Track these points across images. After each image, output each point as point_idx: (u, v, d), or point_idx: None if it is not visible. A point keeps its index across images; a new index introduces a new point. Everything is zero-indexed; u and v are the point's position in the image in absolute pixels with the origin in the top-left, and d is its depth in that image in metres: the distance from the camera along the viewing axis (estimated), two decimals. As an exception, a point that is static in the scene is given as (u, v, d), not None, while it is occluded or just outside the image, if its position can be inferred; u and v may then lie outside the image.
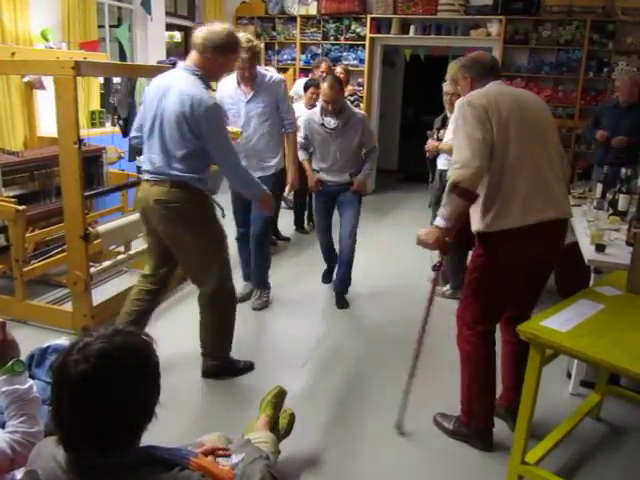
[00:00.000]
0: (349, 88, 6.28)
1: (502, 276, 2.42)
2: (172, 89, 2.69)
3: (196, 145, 2.70)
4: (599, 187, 4.28)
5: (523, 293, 2.57)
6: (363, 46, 7.81)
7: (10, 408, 1.55)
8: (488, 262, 2.45)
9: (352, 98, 6.11)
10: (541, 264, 2.54)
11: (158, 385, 1.26)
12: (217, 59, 2.74)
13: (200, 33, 2.73)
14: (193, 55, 2.76)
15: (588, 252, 3.09)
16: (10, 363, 1.55)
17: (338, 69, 6.14)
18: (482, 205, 2.39)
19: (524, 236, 2.34)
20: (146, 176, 2.85)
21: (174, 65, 3.94)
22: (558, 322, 2.15)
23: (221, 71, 2.90)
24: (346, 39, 7.92)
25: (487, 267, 2.45)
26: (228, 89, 3.87)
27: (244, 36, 3.49)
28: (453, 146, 2.44)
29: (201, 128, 2.66)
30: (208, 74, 2.79)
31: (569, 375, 3.17)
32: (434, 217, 2.52)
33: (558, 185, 2.44)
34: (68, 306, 3.63)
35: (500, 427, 2.67)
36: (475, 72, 2.60)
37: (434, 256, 4.47)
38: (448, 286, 4.39)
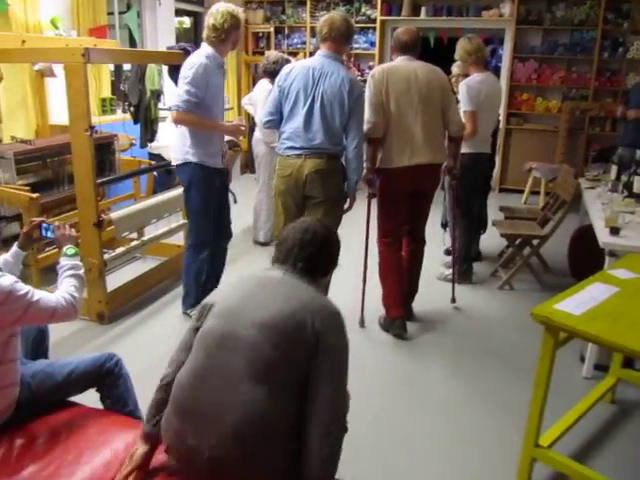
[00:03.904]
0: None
1: (390, 200, 3.44)
2: (329, 73, 3.12)
3: (346, 122, 3.16)
4: (614, 169, 4.24)
5: (408, 214, 3.50)
6: (374, 29, 7.74)
7: (63, 276, 2.01)
8: (382, 189, 3.44)
9: None
10: (416, 194, 3.43)
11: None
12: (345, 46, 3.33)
13: (340, 23, 3.17)
14: (329, 44, 3.19)
15: (602, 235, 3.06)
16: (65, 248, 2.11)
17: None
18: (379, 151, 3.37)
19: (398, 174, 3.34)
20: (295, 152, 3.18)
21: (184, 51, 3.92)
22: (572, 305, 2.14)
23: None
24: (356, 22, 7.83)
25: (382, 193, 3.45)
26: None
27: None
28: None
29: (355, 106, 3.14)
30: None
31: (583, 359, 3.16)
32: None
33: (429, 141, 3.31)
34: (83, 292, 3.66)
35: (509, 412, 2.68)
36: (394, 44, 3.49)
37: (446, 240, 4.50)
38: (450, 270, 4.38)
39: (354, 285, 3.76)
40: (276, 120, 3.27)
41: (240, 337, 1.53)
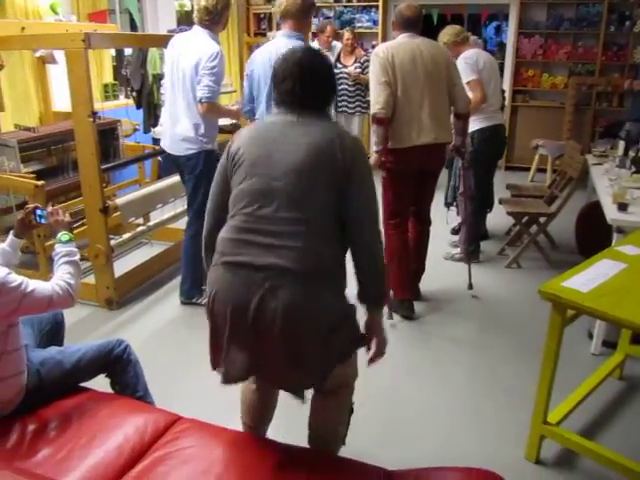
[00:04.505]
0: (358, 52, 6.14)
1: (396, 181, 3.35)
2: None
3: None
4: (621, 145, 4.19)
5: (414, 195, 3.45)
6: (377, 7, 7.64)
7: (58, 264, 2.00)
8: (390, 168, 3.33)
9: (362, 60, 5.96)
10: (422, 173, 3.38)
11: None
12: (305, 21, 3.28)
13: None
14: (289, 22, 3.17)
15: (610, 211, 3.04)
16: (59, 235, 2.09)
17: (346, 34, 6.02)
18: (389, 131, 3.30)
19: (405, 154, 3.27)
20: None
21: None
22: (579, 282, 2.13)
23: None
24: (359, 0, 7.75)
25: (389, 172, 3.34)
26: None
27: None
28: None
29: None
30: None
31: (591, 335, 3.15)
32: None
33: (435, 119, 3.25)
34: (91, 279, 3.69)
35: (517, 389, 2.69)
36: (396, 20, 3.42)
37: (449, 219, 4.48)
38: (458, 250, 4.39)
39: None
40: (252, 108, 3.32)
41: (277, 188, 1.66)
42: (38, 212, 2.19)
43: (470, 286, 3.86)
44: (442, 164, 3.55)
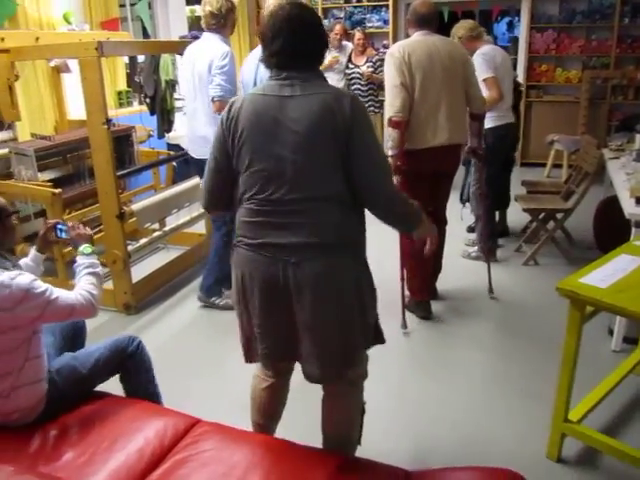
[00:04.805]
0: (369, 51, 6.15)
1: (410, 182, 3.15)
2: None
3: None
4: (638, 138, 4.14)
5: (430, 196, 3.27)
6: (387, 7, 7.62)
7: (80, 275, 2.03)
8: (404, 171, 3.19)
9: (374, 59, 5.97)
10: (436, 174, 3.32)
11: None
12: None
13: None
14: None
15: (628, 205, 3.01)
16: (81, 248, 2.13)
17: (357, 34, 6.03)
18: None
19: (420, 155, 3.18)
20: None
21: (197, 39, 3.91)
22: (598, 278, 2.11)
23: None
24: (369, 0, 7.74)
25: (405, 173, 3.19)
26: None
27: None
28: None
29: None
30: None
31: (611, 332, 3.12)
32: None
33: (452, 119, 3.16)
34: (109, 284, 3.72)
35: (537, 388, 2.67)
36: (410, 18, 3.30)
37: (463, 216, 4.44)
38: (475, 248, 4.36)
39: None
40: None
41: (285, 169, 1.66)
42: (59, 227, 2.25)
43: (490, 289, 3.76)
44: (457, 166, 3.47)
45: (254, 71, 3.24)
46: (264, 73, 2.90)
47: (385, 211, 1.79)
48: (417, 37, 3.24)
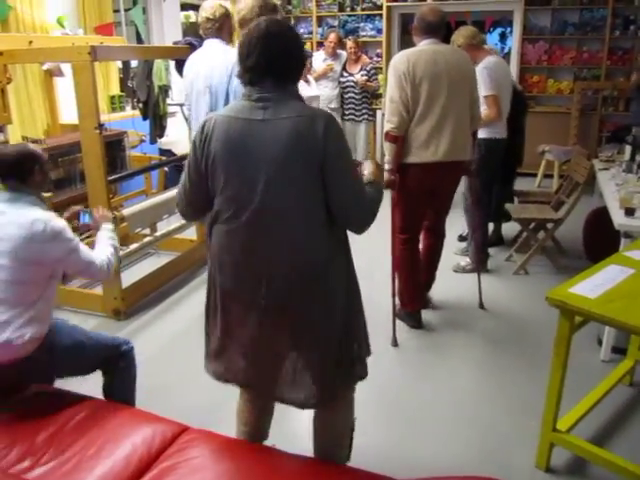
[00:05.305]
0: (364, 59, 6.19)
1: (411, 195, 3.19)
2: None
3: None
4: (628, 149, 4.18)
5: (428, 210, 3.36)
6: (380, 16, 7.66)
7: (102, 242, 2.27)
8: (402, 184, 3.17)
9: (368, 67, 6.02)
10: (437, 190, 3.28)
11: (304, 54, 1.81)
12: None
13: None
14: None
15: (617, 216, 3.03)
16: (104, 225, 2.36)
17: (349, 43, 6.07)
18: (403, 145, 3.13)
19: (421, 169, 3.11)
20: None
21: (190, 45, 3.91)
22: (587, 288, 2.12)
23: None
24: (363, 9, 7.78)
25: (402, 188, 3.18)
26: None
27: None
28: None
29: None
30: None
31: (600, 342, 3.13)
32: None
33: (455, 135, 3.07)
34: (98, 289, 3.70)
35: (526, 397, 2.67)
36: (417, 26, 3.18)
37: (463, 227, 4.46)
38: (467, 259, 4.33)
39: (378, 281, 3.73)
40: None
41: (258, 195, 1.65)
42: (82, 212, 2.47)
43: (481, 303, 3.73)
44: (457, 184, 3.41)
45: (226, 78, 3.06)
46: (238, 86, 2.82)
47: (360, 230, 1.79)
48: (423, 46, 3.14)
